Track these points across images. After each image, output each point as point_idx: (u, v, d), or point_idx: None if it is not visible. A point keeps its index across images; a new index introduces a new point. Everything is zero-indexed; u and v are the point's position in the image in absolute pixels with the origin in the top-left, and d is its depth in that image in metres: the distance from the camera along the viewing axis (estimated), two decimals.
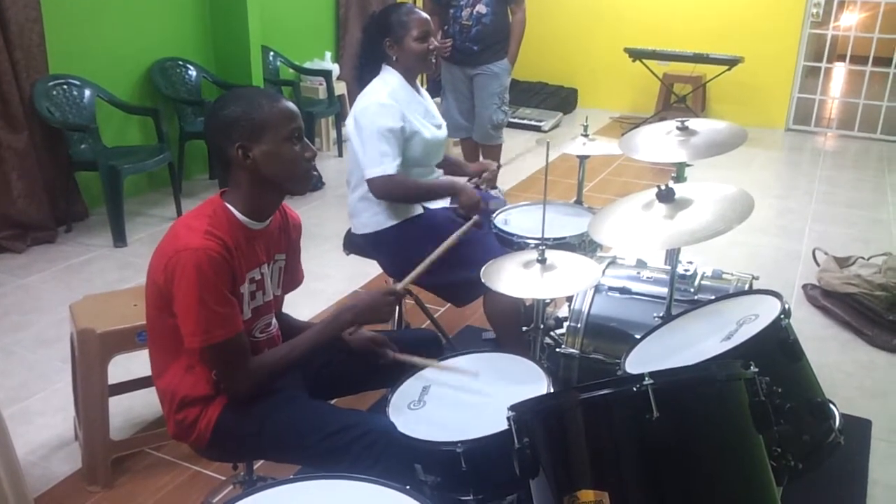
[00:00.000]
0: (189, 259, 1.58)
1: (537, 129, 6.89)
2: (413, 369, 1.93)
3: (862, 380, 3.03)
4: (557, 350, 2.44)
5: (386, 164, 2.49)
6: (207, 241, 1.60)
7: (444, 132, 2.74)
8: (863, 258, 3.68)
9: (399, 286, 1.93)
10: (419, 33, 2.57)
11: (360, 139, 2.52)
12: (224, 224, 1.67)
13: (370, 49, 2.65)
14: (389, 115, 2.49)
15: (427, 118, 2.67)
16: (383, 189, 2.53)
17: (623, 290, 2.42)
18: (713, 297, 2.15)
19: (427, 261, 1.97)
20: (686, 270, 2.38)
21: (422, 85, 2.75)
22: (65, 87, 4.28)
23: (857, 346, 3.29)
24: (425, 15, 2.62)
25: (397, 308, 2.87)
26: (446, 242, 2.00)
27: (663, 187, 1.91)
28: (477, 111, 4.57)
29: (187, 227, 1.64)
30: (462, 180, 2.74)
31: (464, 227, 2.08)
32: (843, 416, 1.79)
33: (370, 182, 2.52)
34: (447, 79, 4.59)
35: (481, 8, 4.24)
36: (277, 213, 1.83)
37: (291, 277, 1.95)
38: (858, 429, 2.67)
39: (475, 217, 2.21)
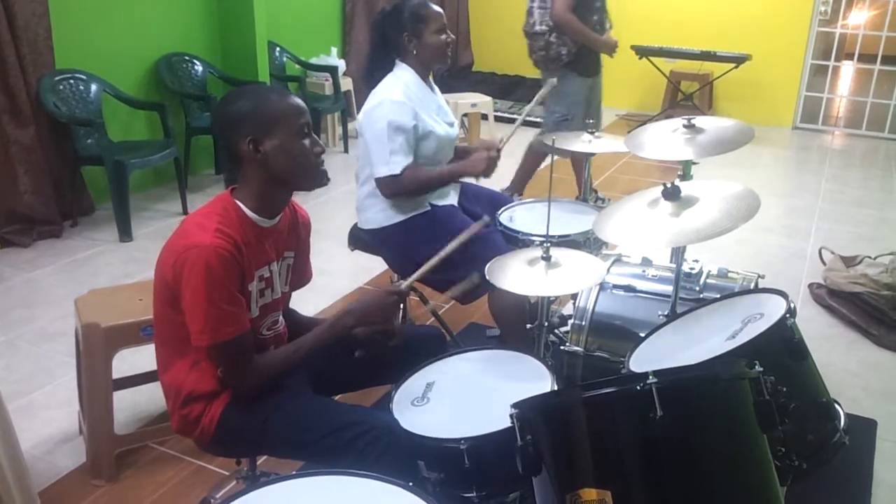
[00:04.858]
0: (199, 257, 1.58)
1: None
2: (419, 360, 1.92)
3: (868, 380, 3.01)
4: (561, 348, 2.44)
5: (394, 164, 2.48)
6: (217, 238, 1.60)
7: (455, 130, 2.73)
8: (869, 257, 3.66)
9: (403, 285, 1.92)
10: (437, 27, 2.57)
11: (370, 136, 2.52)
12: (234, 222, 1.68)
13: (382, 45, 2.63)
14: (401, 113, 2.48)
15: (440, 115, 2.66)
16: (391, 188, 2.53)
17: (628, 288, 2.41)
18: (718, 296, 2.14)
19: (434, 260, 1.96)
20: (691, 269, 2.38)
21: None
22: (71, 81, 4.29)
23: (864, 345, 3.27)
24: (438, 8, 2.62)
25: (402, 305, 2.88)
26: (453, 243, 1.98)
27: (669, 185, 1.90)
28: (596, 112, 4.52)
29: (197, 225, 1.64)
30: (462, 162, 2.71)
31: (471, 229, 2.06)
32: (848, 416, 1.78)
33: (378, 182, 2.52)
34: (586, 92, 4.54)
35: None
36: (287, 211, 1.83)
37: (299, 275, 1.95)
38: (864, 429, 2.66)
39: (484, 218, 2.19)
